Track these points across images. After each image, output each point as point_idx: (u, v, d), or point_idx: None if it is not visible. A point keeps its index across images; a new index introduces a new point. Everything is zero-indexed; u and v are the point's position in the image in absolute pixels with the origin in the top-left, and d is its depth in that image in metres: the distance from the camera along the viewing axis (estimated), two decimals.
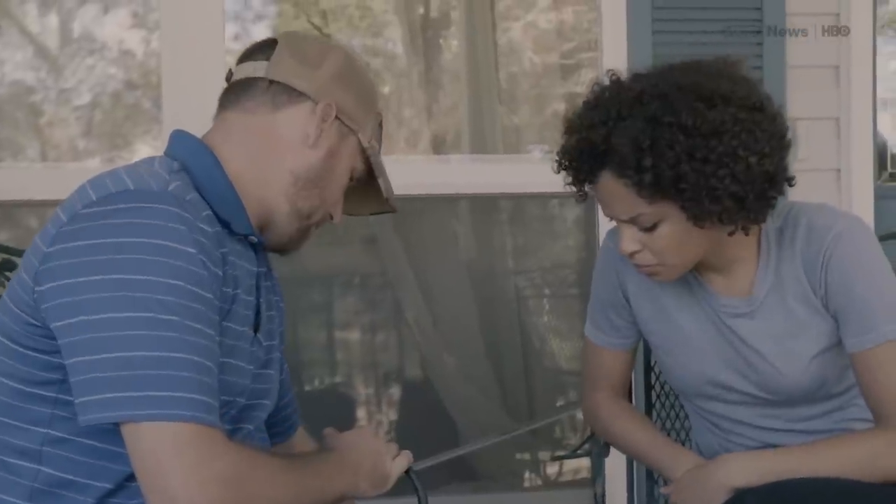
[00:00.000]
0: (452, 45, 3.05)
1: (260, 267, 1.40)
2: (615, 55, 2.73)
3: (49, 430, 1.22)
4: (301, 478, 1.28)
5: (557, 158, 1.54)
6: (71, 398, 1.17)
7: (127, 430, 1.15)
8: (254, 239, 1.37)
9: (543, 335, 3.11)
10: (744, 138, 1.44)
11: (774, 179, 1.49)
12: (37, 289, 1.19)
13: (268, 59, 1.39)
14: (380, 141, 1.48)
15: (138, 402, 1.13)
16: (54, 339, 1.18)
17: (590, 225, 2.87)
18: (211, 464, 1.14)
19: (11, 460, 1.23)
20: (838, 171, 2.82)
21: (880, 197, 2.84)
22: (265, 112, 1.38)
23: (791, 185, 1.54)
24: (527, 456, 3.15)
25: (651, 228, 1.49)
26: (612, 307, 1.73)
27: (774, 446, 1.64)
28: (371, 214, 1.56)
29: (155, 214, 1.19)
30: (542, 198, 3.05)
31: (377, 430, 1.57)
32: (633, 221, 1.50)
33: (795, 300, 1.59)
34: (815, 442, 1.59)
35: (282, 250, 1.45)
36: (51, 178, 2.78)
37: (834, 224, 1.55)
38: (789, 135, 1.53)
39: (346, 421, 3.06)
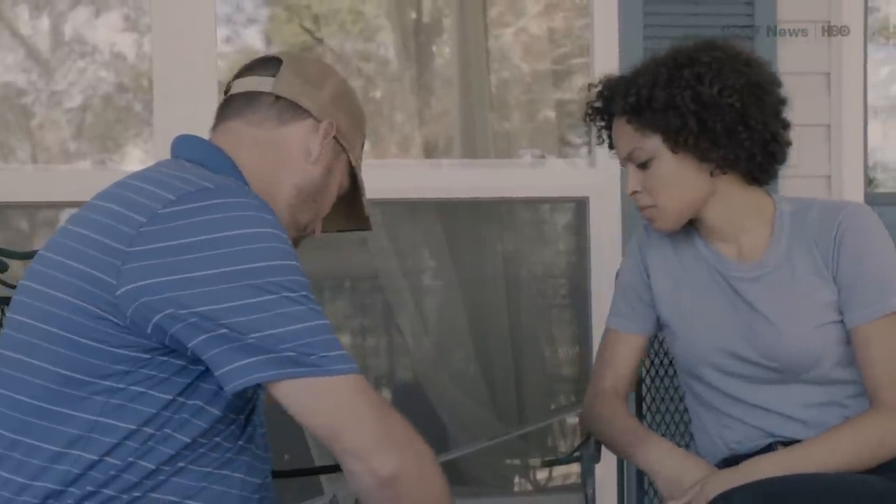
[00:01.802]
0: (444, 50, 3.06)
1: None
2: (607, 61, 2.74)
3: (99, 418, 1.24)
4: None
5: (587, 113, 1.79)
6: (134, 387, 1.24)
7: (304, 388, 1.21)
8: None
9: (534, 339, 3.11)
10: (714, 68, 1.65)
11: (747, 121, 1.65)
12: (127, 286, 1.22)
13: (273, 75, 1.47)
14: (361, 161, 1.58)
15: (317, 360, 1.21)
16: (131, 333, 1.23)
17: (581, 229, 2.88)
18: (389, 421, 1.24)
19: (48, 445, 1.24)
20: (829, 177, 2.83)
21: (870, 204, 2.85)
22: (272, 126, 1.45)
23: (779, 144, 1.69)
24: (517, 461, 3.15)
25: (646, 167, 1.69)
26: (634, 290, 1.86)
27: (774, 436, 1.67)
28: (338, 231, 1.65)
29: (244, 207, 1.26)
30: (534, 202, 3.05)
31: None
32: (630, 158, 1.71)
33: (805, 272, 1.69)
34: (805, 442, 1.62)
35: None
36: (42, 180, 2.77)
37: (847, 205, 1.72)
38: (781, 92, 1.70)
39: None
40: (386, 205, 2.84)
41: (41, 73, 2.85)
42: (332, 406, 1.22)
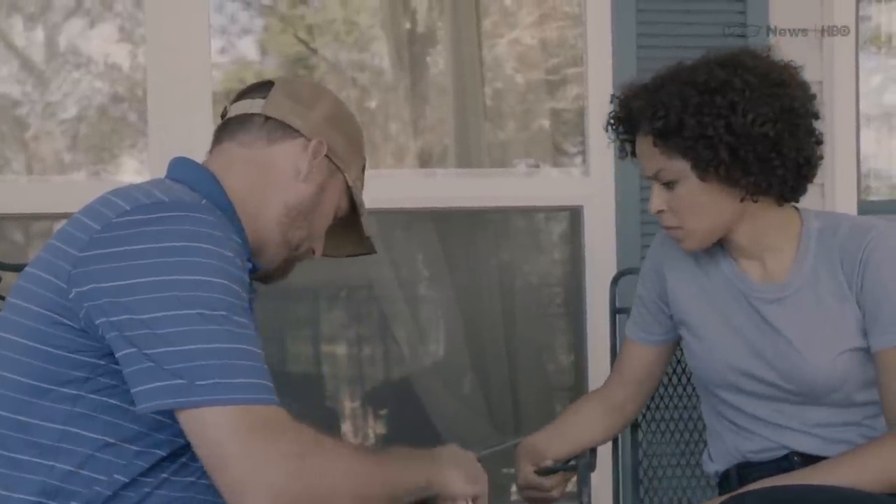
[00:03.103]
0: (439, 60, 3.06)
1: (251, 293, 1.45)
2: (601, 70, 2.75)
3: (66, 427, 1.25)
4: (369, 456, 1.32)
5: (609, 122, 1.74)
6: (94, 395, 1.24)
7: (190, 418, 1.19)
8: (249, 265, 1.41)
9: (530, 348, 3.11)
10: (747, 95, 1.56)
11: (780, 149, 1.57)
12: (75, 290, 1.24)
13: (264, 97, 1.49)
14: (362, 184, 1.58)
15: (203, 389, 1.18)
16: (86, 338, 1.24)
17: (575, 238, 2.88)
18: (277, 441, 1.18)
19: (24, 457, 1.25)
20: (822, 185, 2.84)
21: (863, 212, 2.86)
22: (261, 146, 1.47)
23: (811, 166, 1.63)
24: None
25: (671, 187, 1.63)
26: (648, 297, 1.84)
27: (791, 448, 1.66)
28: (348, 256, 1.67)
29: (193, 222, 1.26)
30: (528, 212, 3.06)
31: None
32: (656, 177, 1.65)
33: (830, 295, 1.63)
34: (821, 463, 1.58)
35: (267, 279, 1.54)
36: (36, 191, 2.77)
37: (876, 224, 1.64)
38: (814, 108, 1.65)
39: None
40: (381, 214, 2.85)
41: (36, 85, 2.85)
42: (212, 439, 1.18)
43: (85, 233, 1.28)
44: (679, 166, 1.61)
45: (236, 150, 1.47)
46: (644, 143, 1.65)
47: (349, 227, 1.59)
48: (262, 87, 1.51)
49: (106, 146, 2.96)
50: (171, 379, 1.18)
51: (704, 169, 1.58)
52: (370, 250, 1.63)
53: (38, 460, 1.25)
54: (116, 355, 1.22)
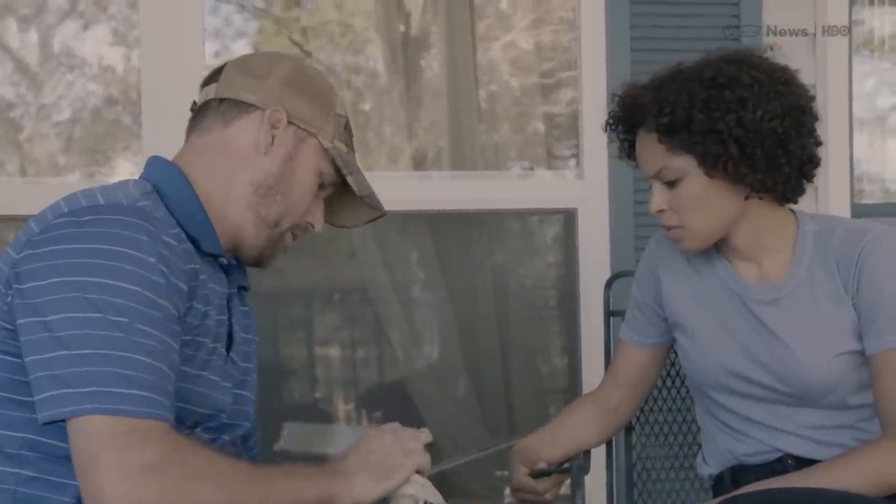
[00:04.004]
0: (433, 63, 3.06)
1: (231, 289, 1.42)
2: (595, 74, 2.75)
3: (26, 434, 1.24)
4: (250, 474, 1.26)
5: (608, 122, 1.71)
6: None
7: (71, 426, 1.17)
8: (223, 261, 1.39)
9: (524, 351, 3.11)
10: (756, 91, 1.55)
11: (786, 145, 1.57)
12: (8, 293, 1.24)
13: (217, 80, 1.44)
14: (350, 143, 1.49)
15: (81, 397, 1.15)
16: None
17: (569, 241, 2.89)
18: (137, 454, 1.15)
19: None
20: (815, 188, 2.85)
21: (857, 215, 2.87)
22: (218, 129, 1.42)
23: (814, 165, 1.63)
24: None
25: (674, 185, 1.59)
26: (643, 299, 1.83)
27: (785, 451, 1.66)
28: (366, 223, 1.58)
29: (119, 225, 1.23)
30: (523, 214, 3.06)
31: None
32: (657, 176, 1.61)
33: (826, 297, 1.63)
34: (815, 466, 1.58)
35: (259, 263, 1.48)
36: (31, 193, 2.77)
37: (872, 228, 1.63)
38: (815, 109, 1.64)
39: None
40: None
41: (30, 87, 2.85)
42: (80, 447, 1.17)
43: (25, 235, 1.28)
44: (683, 163, 1.59)
45: (197, 141, 1.44)
46: (646, 141, 1.63)
47: (344, 192, 1.51)
48: (217, 71, 1.47)
49: (100, 148, 2.96)
50: (58, 388, 1.16)
51: (712, 165, 1.57)
52: (379, 211, 1.53)
53: (5, 468, 1.24)
54: (24, 362, 1.20)
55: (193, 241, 1.35)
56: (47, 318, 1.18)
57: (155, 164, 1.44)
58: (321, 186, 1.47)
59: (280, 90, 1.43)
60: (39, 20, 2.81)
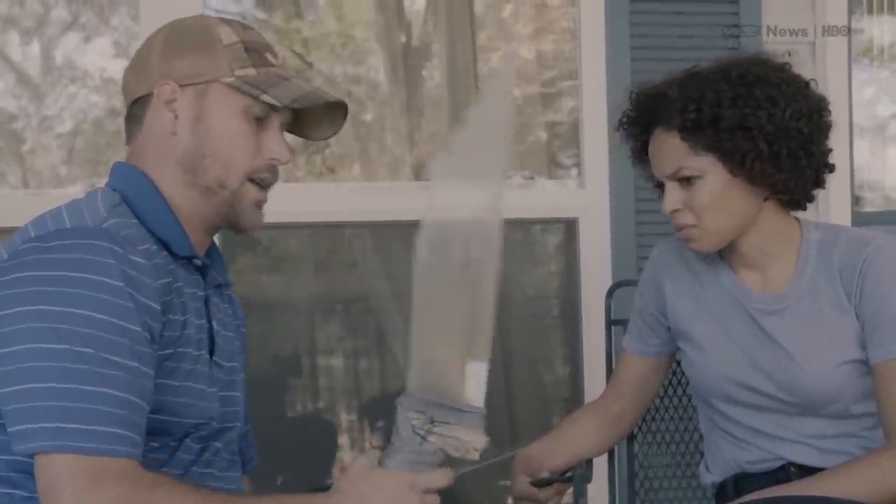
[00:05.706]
0: (434, 73, 3.07)
1: (207, 290, 1.42)
2: (595, 83, 2.75)
3: (11, 457, 1.23)
4: None
5: (622, 121, 1.69)
6: None
7: (36, 461, 1.17)
8: (197, 262, 1.38)
9: (526, 360, 3.11)
10: (784, 90, 1.56)
11: (809, 147, 1.58)
12: None
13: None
14: (260, 61, 1.39)
15: (45, 434, 1.15)
16: None
17: (571, 250, 2.89)
18: (98, 493, 1.14)
19: None
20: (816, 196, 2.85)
21: (857, 223, 2.87)
22: (136, 133, 1.42)
23: (829, 171, 1.65)
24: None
25: (691, 184, 1.57)
26: (641, 314, 1.83)
27: (788, 460, 1.66)
28: (344, 120, 1.49)
29: (83, 249, 1.21)
30: (524, 224, 3.06)
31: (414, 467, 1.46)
32: (673, 176, 1.59)
33: (829, 306, 1.62)
34: (818, 474, 1.58)
35: (241, 228, 1.42)
36: (33, 205, 2.76)
37: (875, 237, 1.63)
38: (830, 130, 1.64)
39: (328, 447, 3.05)
40: (376, 227, 2.85)
41: (32, 98, 2.86)
42: (44, 482, 1.17)
43: None
44: (705, 162, 1.58)
45: (130, 152, 1.44)
46: (665, 139, 1.62)
47: (315, 110, 1.43)
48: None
49: (102, 160, 2.96)
50: (25, 423, 1.16)
51: (739, 162, 1.56)
52: (334, 98, 1.43)
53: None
54: None
55: (167, 245, 1.35)
56: (13, 349, 1.18)
57: (120, 170, 1.43)
58: (259, 120, 1.39)
59: (160, 64, 1.38)
60: (41, 32, 2.82)
